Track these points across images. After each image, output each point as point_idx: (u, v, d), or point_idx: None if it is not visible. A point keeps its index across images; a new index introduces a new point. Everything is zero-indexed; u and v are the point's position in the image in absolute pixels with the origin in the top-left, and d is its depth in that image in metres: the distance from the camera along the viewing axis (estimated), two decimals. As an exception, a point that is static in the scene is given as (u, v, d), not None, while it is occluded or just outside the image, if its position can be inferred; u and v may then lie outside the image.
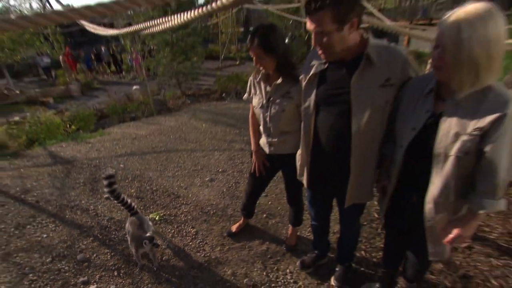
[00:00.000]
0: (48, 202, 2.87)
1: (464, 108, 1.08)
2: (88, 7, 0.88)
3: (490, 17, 0.94)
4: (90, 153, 4.14)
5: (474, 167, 1.12)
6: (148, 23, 1.72)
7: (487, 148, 1.04)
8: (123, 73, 15.31)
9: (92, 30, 2.61)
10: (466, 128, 1.06)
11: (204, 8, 1.17)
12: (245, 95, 1.97)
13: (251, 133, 2.02)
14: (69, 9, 0.88)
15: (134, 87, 10.59)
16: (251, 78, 1.89)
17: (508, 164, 1.06)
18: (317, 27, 1.19)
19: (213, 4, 1.12)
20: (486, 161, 1.06)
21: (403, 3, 20.19)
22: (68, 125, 5.85)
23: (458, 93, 1.08)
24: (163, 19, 1.53)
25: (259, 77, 1.78)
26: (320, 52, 1.29)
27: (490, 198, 1.11)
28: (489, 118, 1.01)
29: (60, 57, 14.16)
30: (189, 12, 1.25)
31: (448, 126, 1.11)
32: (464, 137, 1.07)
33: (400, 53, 1.29)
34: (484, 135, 1.04)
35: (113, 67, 16.28)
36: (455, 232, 1.21)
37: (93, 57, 15.53)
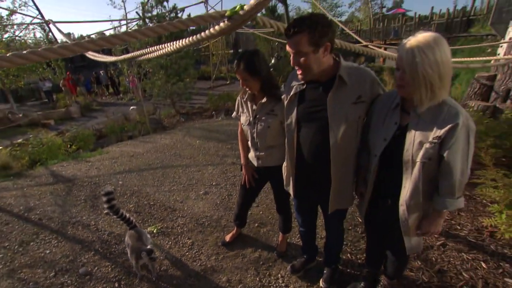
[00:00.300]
0: (51, 219, 2.83)
1: (425, 120, 1.18)
2: (90, 41, 0.95)
3: (436, 44, 1.06)
4: (90, 171, 4.11)
5: (436, 171, 1.22)
6: (145, 50, 1.79)
7: (445, 153, 1.14)
8: (121, 94, 15.37)
9: (92, 57, 2.67)
10: (428, 137, 1.16)
11: (198, 36, 1.24)
12: (234, 113, 2.04)
13: (240, 148, 2.08)
14: (74, 43, 0.94)
15: (131, 107, 10.60)
16: (238, 97, 1.95)
17: (463, 167, 1.16)
18: (295, 49, 1.29)
19: (206, 32, 1.19)
20: (445, 165, 1.16)
21: (377, 25, 21.05)
22: (68, 145, 5.79)
23: (419, 107, 1.18)
24: (159, 46, 1.59)
25: (246, 97, 1.86)
26: (299, 72, 1.38)
27: (450, 198, 1.21)
28: (445, 128, 1.11)
29: (61, 82, 14.16)
30: (183, 40, 1.32)
31: (413, 136, 1.21)
32: (427, 145, 1.16)
33: (368, 73, 1.39)
34: (442, 142, 1.14)
35: (111, 89, 16.35)
36: (425, 229, 1.32)
37: (93, 80, 15.60)
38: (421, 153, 1.18)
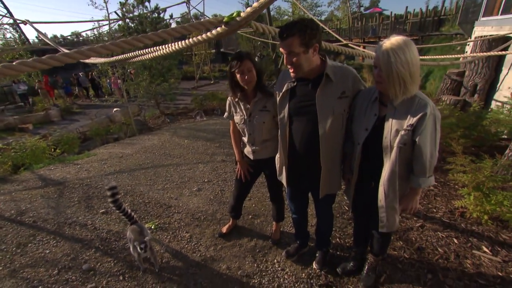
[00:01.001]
0: (46, 221, 2.83)
1: (400, 111, 1.38)
2: (91, 49, 1.01)
3: (406, 46, 1.25)
4: (80, 174, 4.08)
5: (411, 155, 1.43)
6: (139, 52, 1.85)
7: (417, 138, 1.35)
8: (106, 96, 14.97)
9: (82, 60, 2.68)
10: (402, 125, 1.37)
11: (195, 38, 1.35)
12: (226, 114, 2.14)
13: (234, 145, 2.20)
14: (76, 51, 1.01)
15: (115, 109, 10.41)
16: (229, 99, 2.07)
17: (431, 149, 1.37)
18: (288, 50, 1.44)
19: (203, 35, 1.30)
20: (417, 148, 1.37)
21: (355, 23, 21.68)
22: (52, 149, 5.65)
23: (394, 100, 1.37)
24: (154, 48, 1.67)
25: (238, 98, 1.97)
26: (291, 70, 1.53)
27: (423, 176, 1.42)
28: (416, 117, 1.32)
29: (36, 85, 13.61)
30: (181, 42, 1.42)
31: (390, 125, 1.41)
32: (402, 132, 1.36)
33: (351, 71, 1.57)
34: (414, 129, 1.35)
35: (92, 92, 15.91)
36: (404, 205, 1.53)
37: (73, 82, 15.14)
38: (397, 139, 1.38)
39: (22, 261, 2.29)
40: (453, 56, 4.72)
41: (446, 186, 3.17)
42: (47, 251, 2.39)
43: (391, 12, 17.71)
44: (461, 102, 5.69)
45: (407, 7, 16.02)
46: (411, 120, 1.33)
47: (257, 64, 1.87)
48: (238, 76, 1.83)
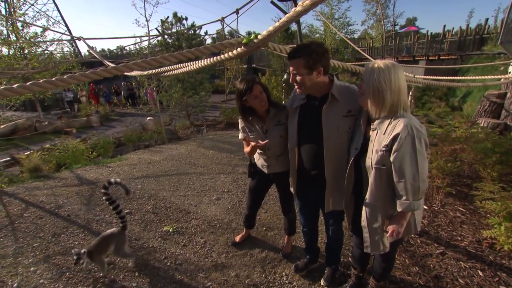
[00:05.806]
0: (78, 216, 3.13)
1: (380, 130, 1.40)
2: (136, 63, 1.22)
3: (393, 68, 1.30)
4: (111, 176, 4.42)
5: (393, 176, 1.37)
6: (169, 67, 2.07)
7: (392, 158, 1.33)
8: (141, 105, 16.14)
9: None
10: (380, 145, 1.37)
11: (217, 57, 1.51)
12: (240, 135, 2.20)
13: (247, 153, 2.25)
14: (124, 65, 1.22)
15: (148, 118, 11.13)
16: (240, 121, 2.12)
17: (413, 171, 1.31)
18: (294, 70, 1.56)
19: (225, 55, 1.46)
20: (394, 169, 1.33)
21: (389, 42, 21.27)
22: (90, 152, 6.20)
23: (372, 115, 1.40)
24: (182, 64, 1.87)
25: (250, 120, 2.04)
26: (296, 87, 1.63)
27: (405, 200, 1.35)
28: (390, 137, 1.32)
29: (78, 93, 15.12)
30: (204, 60, 1.59)
31: (373, 145, 1.42)
32: (379, 152, 1.36)
33: (357, 90, 1.62)
34: (390, 150, 1.33)
35: (129, 101, 17.21)
36: (390, 228, 1.44)
37: (114, 91, 16.56)
38: (375, 160, 1.38)
39: (55, 249, 2.56)
40: (493, 77, 4.47)
41: (475, 214, 2.98)
42: (76, 243, 2.64)
43: (427, 30, 17.16)
44: (501, 126, 5.33)
45: (444, 25, 15.46)
46: (386, 140, 1.33)
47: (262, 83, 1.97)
48: (252, 101, 1.92)
